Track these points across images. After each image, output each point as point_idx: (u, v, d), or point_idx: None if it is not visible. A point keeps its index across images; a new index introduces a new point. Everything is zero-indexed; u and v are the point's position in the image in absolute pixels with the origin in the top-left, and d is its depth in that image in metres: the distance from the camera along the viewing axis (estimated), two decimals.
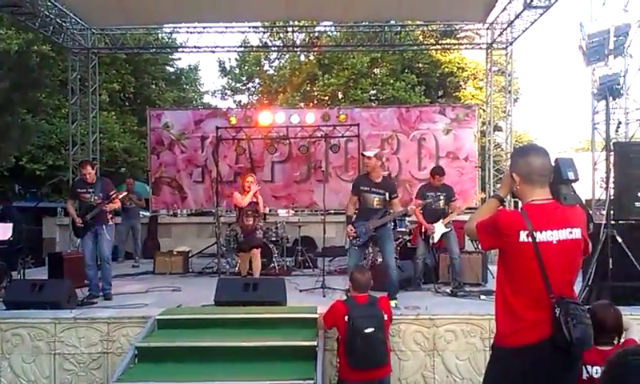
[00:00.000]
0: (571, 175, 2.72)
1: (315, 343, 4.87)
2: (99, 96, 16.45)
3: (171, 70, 25.44)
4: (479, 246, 9.74)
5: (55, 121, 17.87)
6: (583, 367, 3.10)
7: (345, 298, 5.12)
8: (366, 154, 6.70)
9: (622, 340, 3.36)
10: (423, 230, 7.68)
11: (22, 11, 9.92)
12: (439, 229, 7.53)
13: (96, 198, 6.94)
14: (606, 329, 3.32)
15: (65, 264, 8.08)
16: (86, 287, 7.71)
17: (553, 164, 2.75)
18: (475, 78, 23.52)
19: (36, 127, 15.74)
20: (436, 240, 7.57)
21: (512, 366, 2.67)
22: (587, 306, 3.12)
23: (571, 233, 2.63)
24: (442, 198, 7.60)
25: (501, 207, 2.87)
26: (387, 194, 6.43)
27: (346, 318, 4.53)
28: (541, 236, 2.58)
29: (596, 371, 3.13)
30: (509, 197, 3.00)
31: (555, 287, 2.59)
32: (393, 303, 5.93)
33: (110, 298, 6.96)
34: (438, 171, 7.90)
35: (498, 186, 12.19)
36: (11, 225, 8.13)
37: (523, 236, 2.58)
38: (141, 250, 11.68)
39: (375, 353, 4.54)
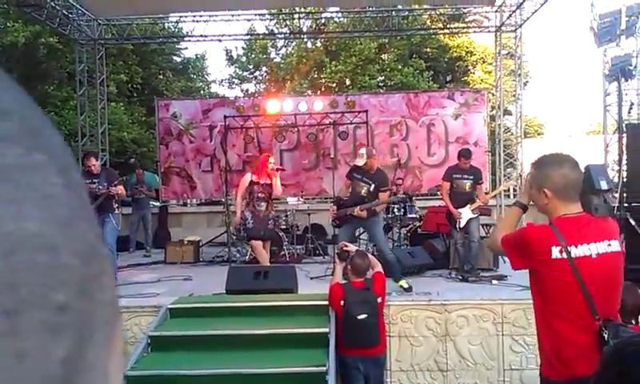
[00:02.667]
0: (604, 184, 2.46)
1: (327, 330, 4.87)
2: (107, 87, 16.50)
3: (178, 59, 25.43)
4: (490, 231, 9.72)
5: (64, 112, 17.92)
6: None
7: (344, 281, 5.16)
8: (357, 163, 6.67)
9: None
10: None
11: (27, 3, 9.92)
12: (466, 214, 7.45)
13: (100, 187, 6.97)
14: (627, 309, 3.23)
15: None
16: None
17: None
18: (484, 62, 23.32)
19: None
20: (462, 225, 7.49)
21: None
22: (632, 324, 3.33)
23: (610, 245, 2.38)
24: (468, 180, 7.53)
25: (529, 221, 2.62)
26: (374, 185, 6.53)
27: (342, 302, 4.76)
28: (576, 250, 2.32)
29: None
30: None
31: (600, 307, 2.32)
32: (403, 283, 6.09)
33: None
34: (463, 153, 7.77)
35: (509, 170, 12.20)
36: None
37: (556, 252, 2.33)
38: (152, 240, 11.74)
39: (368, 335, 4.75)
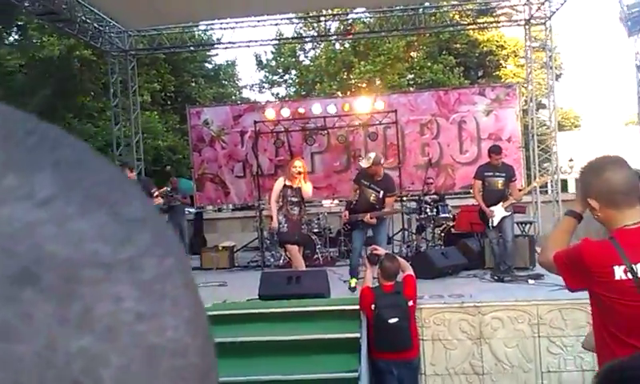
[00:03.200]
0: None
1: (358, 335, 4.86)
2: (141, 96, 16.78)
3: (209, 66, 25.76)
4: (526, 229, 9.55)
5: (100, 123, 18.36)
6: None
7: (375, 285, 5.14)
8: (362, 164, 6.79)
9: None
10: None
11: (59, 18, 10.17)
12: (499, 212, 7.33)
13: None
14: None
15: None
16: None
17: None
18: (516, 56, 22.92)
19: (81, 131, 16.20)
20: (495, 224, 7.37)
21: None
22: None
23: None
24: (500, 178, 7.41)
25: (585, 237, 2.25)
26: (382, 192, 6.68)
27: (373, 306, 4.73)
28: None
29: None
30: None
31: None
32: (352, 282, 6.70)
33: None
34: (493, 149, 7.67)
35: (545, 165, 11.95)
36: None
37: (619, 272, 2.00)
38: (188, 246, 11.91)
39: (400, 340, 4.70)
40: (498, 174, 7.42)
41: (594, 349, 2.31)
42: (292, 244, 7.18)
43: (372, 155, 6.78)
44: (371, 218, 6.64)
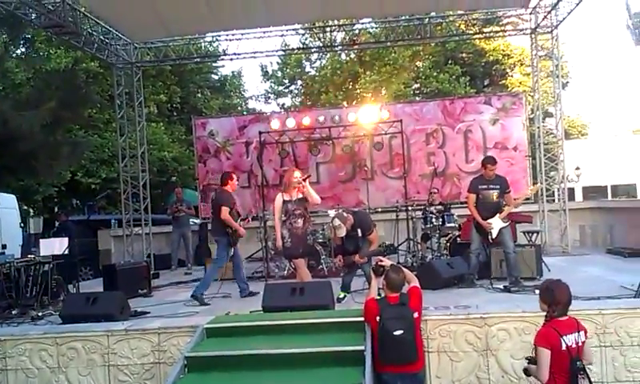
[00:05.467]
0: None
1: (363, 347, 4.78)
2: (148, 108, 16.83)
3: (215, 77, 25.90)
4: (532, 238, 9.47)
5: (107, 135, 18.44)
6: (561, 339, 3.70)
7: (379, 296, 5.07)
8: (340, 235, 6.98)
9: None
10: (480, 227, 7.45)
11: (66, 31, 10.21)
12: (497, 224, 7.27)
13: None
14: (564, 303, 3.83)
15: (118, 275, 8.26)
16: (139, 297, 7.94)
17: None
18: (522, 64, 22.89)
19: (87, 142, 16.25)
20: (495, 236, 7.30)
21: None
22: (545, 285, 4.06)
23: None
24: (495, 190, 7.37)
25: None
26: (361, 232, 7.00)
27: (378, 318, 4.65)
28: None
29: (569, 340, 3.72)
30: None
31: None
32: (340, 294, 7.00)
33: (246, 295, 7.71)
34: (488, 160, 7.59)
35: (552, 173, 11.86)
36: (67, 239, 8.37)
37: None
38: (193, 257, 11.88)
39: (405, 352, 4.61)
40: (492, 186, 7.38)
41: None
42: (296, 258, 7.15)
43: (338, 222, 6.92)
44: (361, 258, 6.99)
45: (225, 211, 7.56)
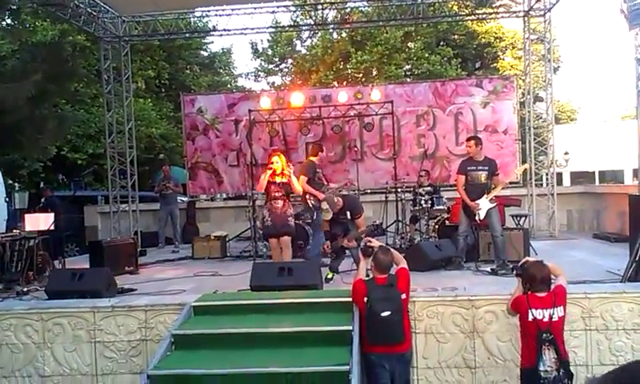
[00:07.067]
0: None
1: (350, 328, 4.78)
2: (136, 83, 16.56)
3: (205, 54, 25.55)
4: (520, 222, 9.51)
5: (94, 110, 18.15)
6: (529, 311, 4.16)
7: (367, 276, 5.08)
8: (326, 218, 7.18)
9: (553, 286, 4.31)
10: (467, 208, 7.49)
11: (52, 2, 9.99)
12: (484, 205, 7.29)
13: None
14: (538, 280, 4.23)
15: (105, 252, 8.19)
16: (126, 274, 7.89)
17: None
18: (514, 48, 22.81)
19: (74, 117, 15.97)
20: (482, 217, 7.33)
21: None
22: (521, 263, 4.53)
23: None
24: (483, 172, 7.39)
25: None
26: (350, 214, 7.04)
27: (365, 299, 4.68)
28: None
29: (539, 314, 4.14)
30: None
31: None
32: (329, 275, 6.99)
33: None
34: (469, 138, 7.83)
35: (541, 158, 11.88)
36: (52, 215, 8.27)
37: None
38: (180, 235, 11.82)
39: (392, 333, 4.66)
40: (480, 168, 7.41)
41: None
42: (273, 236, 7.25)
43: (325, 205, 7.16)
44: (349, 242, 6.95)
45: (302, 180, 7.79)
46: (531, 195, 11.55)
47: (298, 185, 7.37)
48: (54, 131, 11.38)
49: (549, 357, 4.09)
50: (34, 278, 7.41)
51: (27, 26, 16.84)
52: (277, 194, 7.12)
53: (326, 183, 8.45)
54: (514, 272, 4.60)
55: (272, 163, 7.21)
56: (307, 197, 7.82)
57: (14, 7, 15.78)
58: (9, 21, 17.14)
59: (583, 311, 5.30)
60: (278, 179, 7.14)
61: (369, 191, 12.17)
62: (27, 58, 10.68)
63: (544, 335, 4.10)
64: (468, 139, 7.81)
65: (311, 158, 8.43)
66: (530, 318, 4.16)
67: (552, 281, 4.36)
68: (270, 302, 5.53)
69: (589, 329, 5.30)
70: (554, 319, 4.15)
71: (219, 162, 13.00)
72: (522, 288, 4.37)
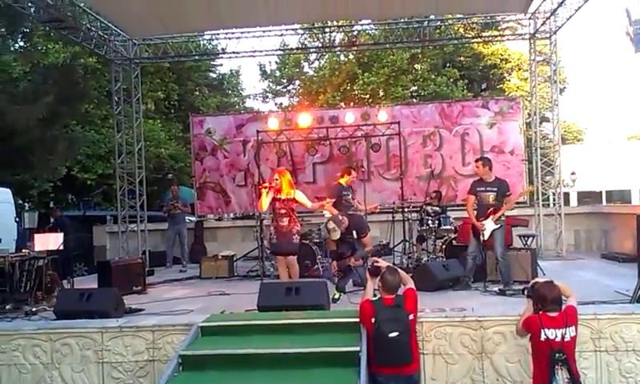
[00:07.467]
0: None
1: (358, 348, 4.77)
2: (145, 105, 16.72)
3: (213, 75, 25.84)
4: (527, 242, 9.48)
5: (104, 130, 18.36)
6: (541, 330, 4.18)
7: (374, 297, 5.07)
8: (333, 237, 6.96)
9: (564, 307, 4.31)
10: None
11: (64, 26, 10.14)
12: (489, 226, 7.30)
13: None
14: (549, 300, 4.25)
15: (113, 272, 8.22)
16: (133, 294, 7.91)
17: None
18: (520, 69, 22.91)
19: (84, 138, 16.17)
20: (486, 237, 7.34)
21: None
22: (531, 284, 4.57)
23: None
24: (491, 193, 7.40)
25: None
26: (356, 233, 6.97)
27: (373, 319, 4.66)
28: None
29: (551, 333, 4.15)
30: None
31: None
32: (335, 295, 6.93)
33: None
34: (477, 159, 7.84)
35: (548, 178, 11.88)
36: (62, 234, 8.33)
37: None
38: (188, 255, 11.86)
39: (400, 354, 4.63)
40: (489, 189, 7.45)
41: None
42: (278, 255, 7.35)
43: (332, 225, 6.93)
44: (356, 261, 6.96)
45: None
46: (538, 215, 11.53)
47: (307, 200, 7.45)
48: (65, 152, 11.53)
49: (562, 377, 4.10)
50: (43, 298, 7.42)
51: (39, 48, 17.15)
52: (282, 211, 7.14)
53: (355, 205, 8.57)
54: (525, 293, 4.60)
55: (273, 181, 7.23)
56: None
57: (27, 30, 16.10)
58: (21, 43, 17.46)
59: (593, 332, 5.27)
60: (283, 196, 7.14)
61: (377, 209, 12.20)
62: (39, 80, 10.87)
63: (557, 355, 4.12)
64: (476, 160, 7.88)
65: (340, 181, 8.60)
66: (543, 337, 4.18)
67: (563, 301, 4.36)
68: (277, 322, 5.53)
69: (598, 350, 5.26)
70: (566, 339, 4.17)
71: (227, 182, 13.09)
72: (533, 309, 4.37)
